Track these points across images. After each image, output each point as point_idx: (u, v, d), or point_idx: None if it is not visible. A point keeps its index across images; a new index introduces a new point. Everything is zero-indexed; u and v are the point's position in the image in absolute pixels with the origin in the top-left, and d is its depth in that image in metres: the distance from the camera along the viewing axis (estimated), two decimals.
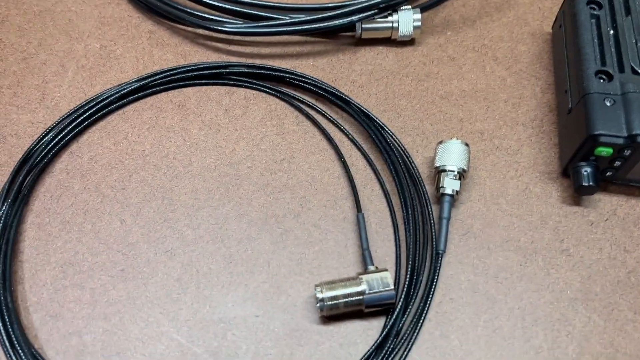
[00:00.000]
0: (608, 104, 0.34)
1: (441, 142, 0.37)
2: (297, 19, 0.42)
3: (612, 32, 0.38)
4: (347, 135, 0.39)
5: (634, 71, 0.36)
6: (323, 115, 0.40)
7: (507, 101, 0.41)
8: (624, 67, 0.36)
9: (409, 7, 0.42)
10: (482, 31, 0.45)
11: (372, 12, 0.42)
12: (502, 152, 0.39)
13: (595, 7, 0.39)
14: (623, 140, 0.33)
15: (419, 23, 0.42)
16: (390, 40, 0.43)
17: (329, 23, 0.41)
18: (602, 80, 0.35)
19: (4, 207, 0.34)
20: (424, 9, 0.44)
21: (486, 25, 0.45)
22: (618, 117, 0.34)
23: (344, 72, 0.42)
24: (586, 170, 0.35)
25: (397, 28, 0.42)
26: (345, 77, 0.42)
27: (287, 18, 0.42)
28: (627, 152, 0.34)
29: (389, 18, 0.42)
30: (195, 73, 0.40)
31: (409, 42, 0.43)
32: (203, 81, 0.41)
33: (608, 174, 0.36)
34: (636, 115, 0.33)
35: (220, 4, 0.43)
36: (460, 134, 0.39)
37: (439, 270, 0.34)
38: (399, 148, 0.37)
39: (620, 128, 0.33)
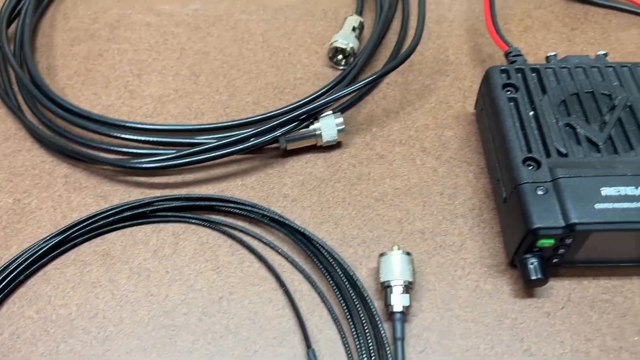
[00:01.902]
0: (541, 193, 0.34)
1: (383, 254, 0.35)
2: (217, 143, 0.40)
3: (532, 113, 0.38)
4: (286, 258, 0.37)
5: (560, 153, 0.35)
6: (259, 240, 0.38)
7: (442, 193, 0.40)
8: (550, 150, 0.36)
9: (330, 112, 0.42)
10: (406, 122, 0.44)
11: (294, 124, 0.41)
12: (446, 250, 0.37)
13: (511, 89, 0.39)
14: (562, 230, 0.33)
15: (342, 126, 0.41)
16: (317, 146, 0.42)
17: (251, 143, 0.40)
18: (530, 168, 0.35)
19: None
20: (345, 109, 0.44)
21: (410, 115, 0.45)
22: (553, 206, 0.33)
23: (275, 187, 0.41)
24: (532, 262, 0.34)
25: (321, 135, 0.41)
26: (277, 192, 0.41)
27: (209, 142, 0.41)
28: (568, 240, 0.33)
29: (311, 127, 0.41)
30: (117, 217, 0.38)
31: (336, 145, 0.43)
32: (127, 223, 0.39)
33: (555, 260, 0.35)
34: (570, 203, 0.33)
35: (137, 137, 0.41)
36: (400, 237, 0.38)
37: None
38: (342, 266, 0.36)
39: (557, 218, 0.33)
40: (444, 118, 0.44)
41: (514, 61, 0.43)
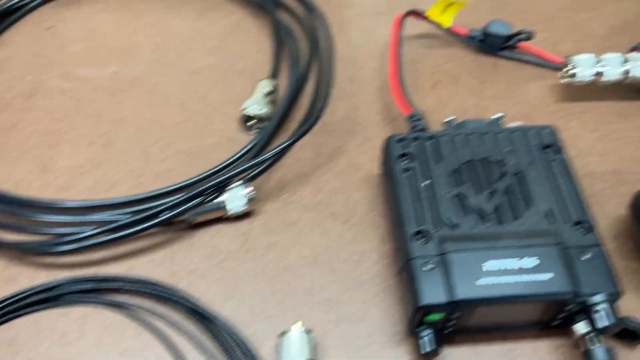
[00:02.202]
0: (429, 268, 0.35)
1: (281, 334, 0.36)
2: (127, 220, 0.41)
3: (426, 183, 0.39)
4: (191, 339, 0.38)
5: (450, 225, 0.37)
6: (165, 320, 0.38)
7: (348, 260, 0.41)
8: (440, 222, 0.37)
9: (238, 182, 0.43)
10: (317, 185, 0.45)
11: (201, 199, 0.41)
12: (350, 320, 0.38)
13: (408, 159, 0.40)
14: (447, 306, 0.34)
15: (251, 196, 0.42)
16: (227, 217, 0.43)
17: (161, 218, 0.41)
18: (421, 242, 0.36)
19: None
20: (255, 176, 0.45)
21: (320, 178, 0.46)
22: (440, 282, 0.34)
23: (183, 263, 0.41)
24: (424, 335, 0.35)
25: (228, 207, 0.42)
26: (185, 267, 0.41)
27: (120, 218, 0.41)
28: (456, 315, 0.34)
29: (218, 199, 0.42)
30: (23, 302, 0.38)
31: (246, 214, 0.43)
32: (34, 308, 0.39)
33: (449, 330, 0.36)
34: (455, 278, 0.34)
35: (46, 217, 0.42)
36: (306, 308, 0.39)
37: None
38: (241, 347, 0.36)
39: (442, 295, 0.34)
40: (353, 181, 0.45)
41: (415, 125, 0.44)
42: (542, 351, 0.37)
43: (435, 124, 0.46)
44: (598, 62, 0.48)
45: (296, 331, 0.36)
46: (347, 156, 0.47)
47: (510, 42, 0.53)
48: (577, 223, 0.36)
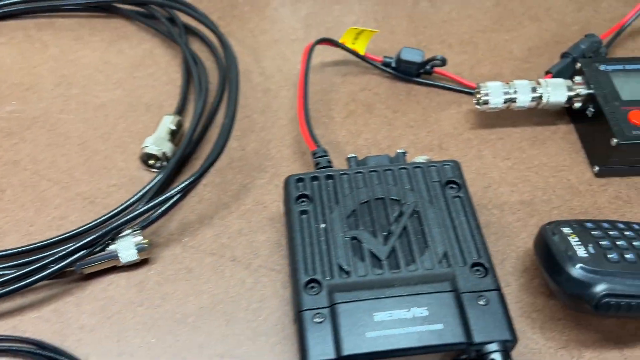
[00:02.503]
0: (318, 320, 0.33)
1: None
2: (6, 277, 0.38)
3: (323, 226, 0.37)
4: None
5: (343, 272, 0.35)
6: None
7: (247, 309, 0.39)
8: (333, 270, 0.35)
9: (129, 230, 0.40)
10: (220, 228, 0.43)
11: (89, 249, 0.39)
12: None
13: (306, 200, 0.39)
14: None
15: (142, 244, 0.40)
16: (121, 266, 0.41)
17: (42, 274, 0.38)
18: (312, 292, 0.34)
19: None
20: (153, 220, 0.42)
21: (224, 219, 0.44)
22: (328, 336, 0.32)
23: (72, 317, 0.39)
24: None
25: (121, 256, 0.40)
26: (74, 322, 0.38)
27: (7, 273, 0.39)
28: None
29: (108, 248, 0.40)
30: None
31: (143, 261, 0.41)
32: None
33: None
34: (343, 332, 0.32)
35: None
36: None
37: None
38: None
39: (330, 350, 0.32)
40: (258, 221, 0.44)
41: (318, 162, 0.43)
42: None
43: (344, 158, 0.45)
44: (508, 88, 0.47)
45: None
46: (253, 194, 0.45)
47: (426, 68, 0.52)
48: (474, 265, 0.35)
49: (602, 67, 0.47)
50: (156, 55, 0.55)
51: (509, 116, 0.50)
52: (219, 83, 0.51)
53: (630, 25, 0.54)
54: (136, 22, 0.58)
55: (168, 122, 0.47)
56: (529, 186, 0.45)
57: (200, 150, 0.48)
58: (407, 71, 0.52)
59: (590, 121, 0.46)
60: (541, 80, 0.47)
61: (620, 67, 0.47)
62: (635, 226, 0.38)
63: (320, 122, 0.50)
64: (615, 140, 0.43)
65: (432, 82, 0.52)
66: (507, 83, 0.47)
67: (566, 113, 0.50)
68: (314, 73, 0.54)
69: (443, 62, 0.51)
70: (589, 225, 0.38)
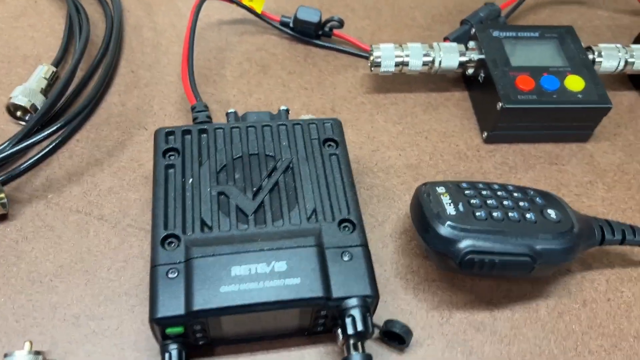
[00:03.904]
0: (172, 276, 0.31)
1: (5, 356, 0.32)
2: None
3: (190, 181, 0.36)
4: None
5: (205, 227, 0.33)
6: None
7: (110, 268, 0.37)
8: (195, 225, 0.33)
9: None
10: (89, 185, 0.40)
11: None
12: (100, 336, 0.34)
13: (174, 154, 0.37)
14: (184, 318, 0.30)
15: (1, 199, 0.37)
16: None
17: None
18: (170, 247, 0.32)
19: None
20: (16, 176, 0.39)
21: (95, 176, 0.41)
22: (180, 291, 0.31)
23: None
24: (171, 349, 0.31)
25: None
26: None
27: None
28: (199, 326, 0.31)
29: None
30: None
31: (1, 217, 0.38)
32: None
33: (202, 342, 0.33)
34: (196, 287, 0.30)
35: None
36: (51, 325, 0.34)
37: None
38: None
39: (179, 306, 0.30)
40: (132, 179, 0.41)
41: (196, 117, 0.40)
42: (309, 358, 0.34)
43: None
44: (401, 51, 0.46)
45: (23, 353, 0.31)
46: (130, 152, 0.42)
47: (325, 30, 0.51)
48: (343, 222, 0.34)
49: (496, 34, 0.47)
50: (40, 6, 0.51)
51: (405, 81, 0.49)
52: (105, 36, 0.48)
53: (526, 1, 0.54)
54: None
55: (42, 73, 0.44)
56: (417, 150, 0.45)
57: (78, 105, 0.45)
58: (306, 32, 0.50)
59: (481, 87, 0.46)
60: (434, 44, 0.47)
61: (512, 34, 0.47)
62: (510, 187, 0.38)
63: (211, 81, 0.47)
64: (500, 104, 0.42)
65: (330, 45, 0.51)
66: (401, 46, 0.46)
67: (462, 80, 0.50)
68: (210, 30, 0.51)
69: (340, 23, 0.50)
70: (463, 185, 0.37)
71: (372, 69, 0.46)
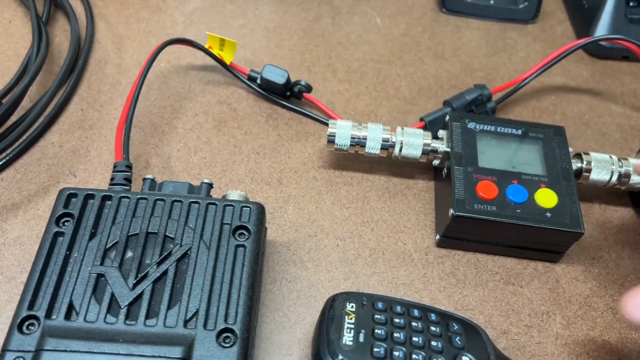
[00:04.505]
0: None
1: None
2: None
3: (76, 255, 0.32)
4: None
5: (72, 310, 0.30)
6: None
7: None
8: (62, 307, 0.30)
9: None
10: None
11: None
12: None
13: (69, 220, 0.34)
14: None
15: None
16: None
17: None
18: (26, 331, 0.29)
19: None
20: None
21: (6, 222, 0.38)
22: None
23: None
24: None
25: None
26: None
27: None
28: None
29: None
30: None
31: None
32: None
33: None
34: None
35: None
36: None
37: None
38: None
39: None
40: (42, 232, 0.39)
41: (113, 177, 0.38)
42: None
43: (162, 177, 0.40)
44: (358, 131, 0.42)
45: None
46: (50, 199, 0.40)
47: (293, 91, 0.47)
48: (223, 331, 0.30)
49: (471, 125, 0.42)
50: (13, 27, 0.50)
51: (367, 160, 0.45)
52: (63, 69, 0.46)
53: (528, 84, 0.49)
54: None
55: None
56: (358, 243, 0.40)
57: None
58: (274, 90, 0.47)
59: (443, 182, 0.41)
60: (398, 128, 0.42)
61: (491, 128, 0.42)
62: (433, 316, 0.33)
63: (159, 131, 0.45)
64: (451, 211, 0.38)
65: (296, 108, 0.47)
66: (360, 124, 0.42)
67: (431, 168, 0.45)
68: (176, 74, 0.49)
69: (308, 88, 0.46)
70: (379, 305, 0.33)
71: (328, 144, 0.42)
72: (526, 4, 0.57)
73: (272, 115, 0.47)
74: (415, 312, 0.33)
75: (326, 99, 0.48)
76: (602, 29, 0.55)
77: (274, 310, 0.36)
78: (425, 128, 0.45)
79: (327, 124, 0.46)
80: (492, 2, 0.58)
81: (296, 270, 0.38)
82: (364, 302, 0.33)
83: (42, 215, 0.39)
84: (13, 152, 0.41)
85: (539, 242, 0.39)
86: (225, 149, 0.44)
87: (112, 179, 0.37)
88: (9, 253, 0.37)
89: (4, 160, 0.41)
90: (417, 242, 0.41)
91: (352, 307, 0.32)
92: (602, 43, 0.54)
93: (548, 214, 0.38)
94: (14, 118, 0.43)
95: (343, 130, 0.41)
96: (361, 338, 0.30)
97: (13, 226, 0.39)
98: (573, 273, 0.40)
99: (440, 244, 0.40)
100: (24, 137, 0.42)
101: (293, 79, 0.47)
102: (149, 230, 0.34)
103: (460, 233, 0.39)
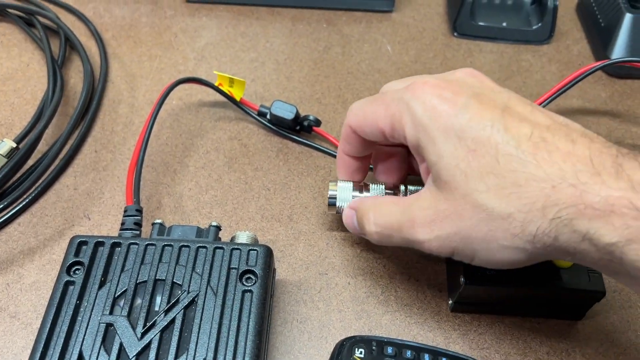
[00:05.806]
0: None
1: None
2: None
3: (86, 304, 0.33)
4: None
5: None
6: None
7: None
8: (71, 358, 0.30)
9: None
10: (14, 276, 0.39)
11: None
12: None
13: (80, 269, 0.34)
14: None
15: None
16: None
17: None
18: None
19: None
20: None
21: (23, 267, 0.39)
22: None
23: None
24: None
25: None
26: None
27: None
28: None
29: None
30: None
31: None
32: None
33: None
34: None
35: None
36: None
37: None
38: None
39: None
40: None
41: (124, 222, 0.38)
42: None
43: (179, 215, 0.40)
44: (359, 192, 0.39)
45: None
46: (64, 243, 0.40)
47: (303, 125, 0.47)
48: None
49: None
50: (31, 70, 0.52)
51: None
52: (76, 112, 0.47)
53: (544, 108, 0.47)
54: (24, 31, 0.55)
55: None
56: (370, 280, 0.39)
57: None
58: (282, 125, 0.47)
59: None
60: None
61: None
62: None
63: (171, 170, 0.45)
64: (462, 280, 0.36)
65: (306, 142, 0.47)
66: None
67: None
68: (187, 111, 0.49)
69: (317, 123, 0.46)
70: (389, 351, 0.32)
71: (328, 207, 0.40)
72: (540, 24, 0.56)
73: (282, 150, 0.47)
74: (427, 357, 0.32)
75: (336, 131, 0.48)
76: (620, 47, 0.53)
77: (284, 353, 0.36)
78: None
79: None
80: (504, 24, 0.57)
81: (307, 311, 0.38)
82: (374, 347, 0.32)
83: (57, 259, 0.40)
84: (30, 197, 0.42)
85: (558, 303, 0.37)
86: (237, 186, 0.44)
87: (122, 223, 0.38)
88: (26, 299, 0.38)
89: (21, 205, 0.42)
90: (430, 278, 0.40)
91: (360, 352, 0.32)
92: None
93: (565, 275, 0.36)
94: (30, 162, 0.44)
95: (344, 193, 0.39)
96: None
97: (29, 271, 0.39)
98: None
99: (454, 309, 0.38)
100: (40, 181, 0.43)
101: (303, 112, 0.48)
102: (157, 277, 0.34)
103: (473, 298, 0.38)
